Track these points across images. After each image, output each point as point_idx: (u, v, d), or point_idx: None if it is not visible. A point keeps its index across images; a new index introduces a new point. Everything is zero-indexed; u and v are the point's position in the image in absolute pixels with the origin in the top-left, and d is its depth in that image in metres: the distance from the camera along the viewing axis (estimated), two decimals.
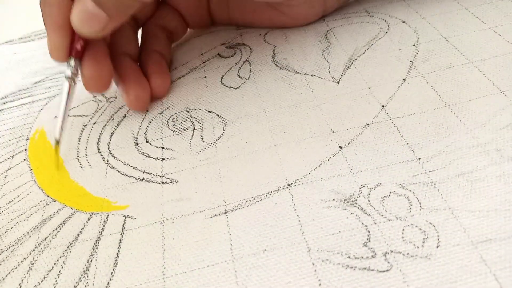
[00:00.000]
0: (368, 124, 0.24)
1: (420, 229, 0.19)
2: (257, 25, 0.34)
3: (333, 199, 0.21)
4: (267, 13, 0.33)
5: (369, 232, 0.19)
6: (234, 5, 0.34)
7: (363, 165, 0.22)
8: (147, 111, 0.29)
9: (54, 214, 0.23)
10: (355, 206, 0.20)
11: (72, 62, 0.25)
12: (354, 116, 0.25)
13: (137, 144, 0.26)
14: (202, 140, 0.26)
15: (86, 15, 0.24)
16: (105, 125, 0.28)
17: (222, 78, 0.30)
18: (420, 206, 0.20)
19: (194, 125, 0.27)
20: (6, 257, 0.22)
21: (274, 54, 0.31)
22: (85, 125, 0.29)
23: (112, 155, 0.26)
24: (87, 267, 0.20)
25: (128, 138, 0.27)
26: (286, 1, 0.30)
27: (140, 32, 0.32)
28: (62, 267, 0.21)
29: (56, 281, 0.20)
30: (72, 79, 0.25)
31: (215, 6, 0.34)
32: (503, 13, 0.30)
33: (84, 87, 0.27)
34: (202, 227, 0.21)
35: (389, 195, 0.20)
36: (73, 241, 0.22)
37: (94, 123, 0.29)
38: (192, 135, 0.26)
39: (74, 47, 0.25)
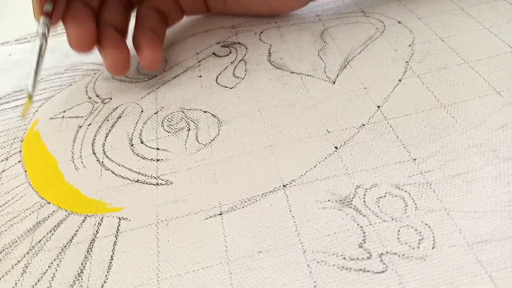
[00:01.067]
0: (363, 125, 0.24)
1: (416, 230, 0.19)
2: (252, 10, 0.34)
3: (329, 200, 0.21)
4: None
5: (364, 233, 0.19)
6: None
7: (358, 166, 0.22)
8: (142, 111, 0.29)
9: (48, 217, 0.23)
10: (351, 207, 0.20)
11: (41, 19, 0.27)
12: (350, 117, 0.25)
13: (132, 145, 0.26)
14: (197, 140, 0.25)
15: None
16: (100, 126, 0.28)
17: (217, 77, 0.30)
18: (416, 207, 0.19)
19: (189, 125, 0.27)
20: (0, 260, 0.21)
21: (269, 53, 0.31)
22: (80, 127, 0.29)
23: (107, 157, 0.26)
24: (81, 269, 0.20)
25: (123, 139, 0.27)
26: None
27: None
28: (56, 270, 0.20)
29: (50, 284, 0.20)
30: (43, 36, 0.27)
31: None
32: (499, 13, 0.30)
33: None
34: (197, 229, 0.21)
35: (385, 196, 0.20)
36: (67, 243, 0.22)
37: (89, 125, 0.29)
38: (187, 136, 0.26)
39: (43, 6, 0.27)
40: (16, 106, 0.33)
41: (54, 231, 0.22)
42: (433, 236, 0.18)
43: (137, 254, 0.20)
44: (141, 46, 0.30)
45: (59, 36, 0.40)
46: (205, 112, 0.27)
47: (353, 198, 0.20)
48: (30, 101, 0.27)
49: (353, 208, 0.20)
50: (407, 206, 0.20)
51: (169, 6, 0.34)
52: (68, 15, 0.28)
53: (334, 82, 0.27)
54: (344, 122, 0.24)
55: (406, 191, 0.20)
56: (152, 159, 0.25)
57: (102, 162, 0.26)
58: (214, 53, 0.33)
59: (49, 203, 0.24)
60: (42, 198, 0.24)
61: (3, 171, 0.27)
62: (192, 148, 0.25)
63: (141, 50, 0.30)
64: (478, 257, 0.17)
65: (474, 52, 0.27)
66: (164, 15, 0.33)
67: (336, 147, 0.23)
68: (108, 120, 0.29)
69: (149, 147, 0.26)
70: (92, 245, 0.21)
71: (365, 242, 0.19)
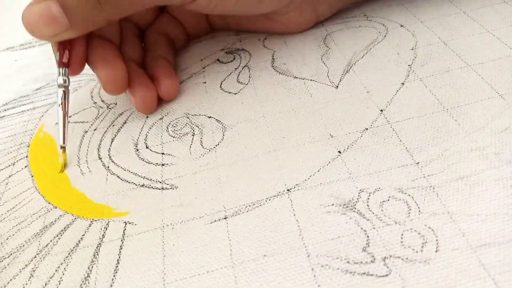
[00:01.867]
0: (367, 129, 0.24)
1: (419, 233, 0.19)
2: (254, 31, 0.35)
3: (332, 204, 0.21)
4: (261, 21, 0.33)
5: (368, 237, 0.19)
6: (231, 14, 0.34)
7: (362, 170, 0.22)
8: (147, 116, 0.29)
9: (55, 221, 0.23)
10: (354, 211, 0.20)
11: (60, 70, 0.26)
12: (353, 121, 0.25)
13: (137, 150, 0.27)
14: (202, 145, 0.26)
15: (46, 17, 0.23)
16: (106, 131, 0.29)
17: (221, 83, 0.30)
18: (419, 211, 0.20)
19: (193, 130, 0.27)
20: (8, 264, 0.22)
21: (273, 59, 0.31)
22: (86, 132, 0.29)
23: (113, 161, 0.26)
24: (88, 273, 0.20)
25: (128, 144, 0.27)
26: (276, 10, 0.31)
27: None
28: (63, 274, 0.21)
29: (57, 287, 0.20)
30: (63, 86, 0.26)
31: (213, 16, 0.35)
32: (501, 17, 0.30)
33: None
34: (202, 232, 0.21)
35: (388, 200, 0.20)
36: (74, 247, 0.22)
37: (95, 130, 0.29)
38: (192, 141, 0.26)
39: (60, 59, 0.26)
40: (22, 111, 0.33)
41: (61, 235, 0.22)
42: (437, 240, 0.18)
43: (143, 258, 0.21)
44: (157, 77, 0.29)
45: None
46: (210, 117, 0.28)
47: (356, 202, 0.21)
48: (65, 152, 0.27)
49: (357, 212, 0.20)
50: (410, 209, 0.20)
51: (175, 31, 0.34)
52: (96, 57, 0.27)
53: (337, 86, 0.27)
54: (347, 126, 0.25)
55: (409, 195, 0.20)
56: (157, 163, 0.25)
57: (108, 167, 0.26)
58: (218, 60, 0.33)
59: (55, 208, 0.24)
60: (49, 203, 0.24)
61: (10, 176, 0.27)
62: (196, 152, 0.25)
63: (158, 81, 0.29)
64: (481, 260, 0.17)
65: (476, 55, 0.27)
66: (171, 39, 0.33)
67: (339, 152, 0.23)
68: (113, 125, 0.29)
69: (154, 152, 0.26)
70: (99, 249, 0.21)
71: (368, 246, 0.19)
